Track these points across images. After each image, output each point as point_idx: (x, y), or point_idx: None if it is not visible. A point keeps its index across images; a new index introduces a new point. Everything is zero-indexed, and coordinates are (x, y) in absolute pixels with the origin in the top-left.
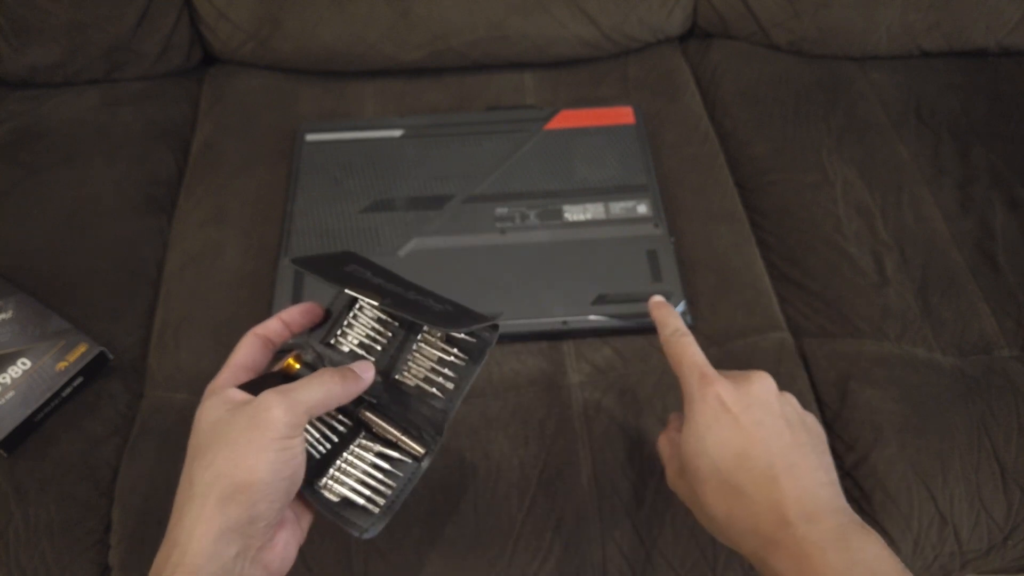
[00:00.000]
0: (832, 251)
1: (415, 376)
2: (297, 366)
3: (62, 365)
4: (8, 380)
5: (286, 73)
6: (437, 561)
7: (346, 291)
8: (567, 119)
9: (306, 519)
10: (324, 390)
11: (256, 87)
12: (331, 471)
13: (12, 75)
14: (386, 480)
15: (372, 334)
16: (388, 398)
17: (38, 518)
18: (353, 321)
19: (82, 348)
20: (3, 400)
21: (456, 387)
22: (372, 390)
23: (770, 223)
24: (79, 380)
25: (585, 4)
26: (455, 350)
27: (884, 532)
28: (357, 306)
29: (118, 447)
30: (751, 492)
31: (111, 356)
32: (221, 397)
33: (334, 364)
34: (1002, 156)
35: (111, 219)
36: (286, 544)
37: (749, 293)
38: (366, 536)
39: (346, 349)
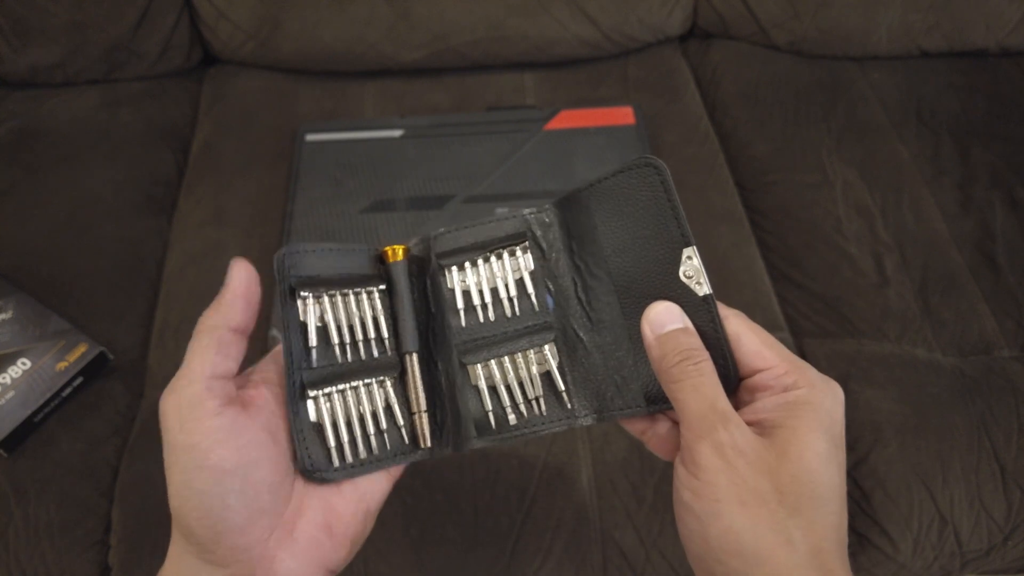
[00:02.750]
0: (832, 251)
1: (496, 373)
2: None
3: (62, 365)
4: (8, 380)
5: (286, 73)
6: (437, 561)
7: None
8: (567, 119)
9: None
10: (204, 343)
11: (256, 87)
12: (329, 388)
13: (12, 75)
14: (371, 439)
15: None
16: (441, 359)
17: (38, 518)
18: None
19: (82, 348)
20: (3, 400)
21: (518, 425)
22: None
23: (770, 223)
24: (79, 380)
25: (585, 4)
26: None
27: (884, 532)
28: None
29: (118, 447)
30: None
31: (111, 356)
32: (200, 406)
33: None
34: (1002, 156)
35: (111, 219)
36: (298, 558)
37: (749, 293)
38: (299, 469)
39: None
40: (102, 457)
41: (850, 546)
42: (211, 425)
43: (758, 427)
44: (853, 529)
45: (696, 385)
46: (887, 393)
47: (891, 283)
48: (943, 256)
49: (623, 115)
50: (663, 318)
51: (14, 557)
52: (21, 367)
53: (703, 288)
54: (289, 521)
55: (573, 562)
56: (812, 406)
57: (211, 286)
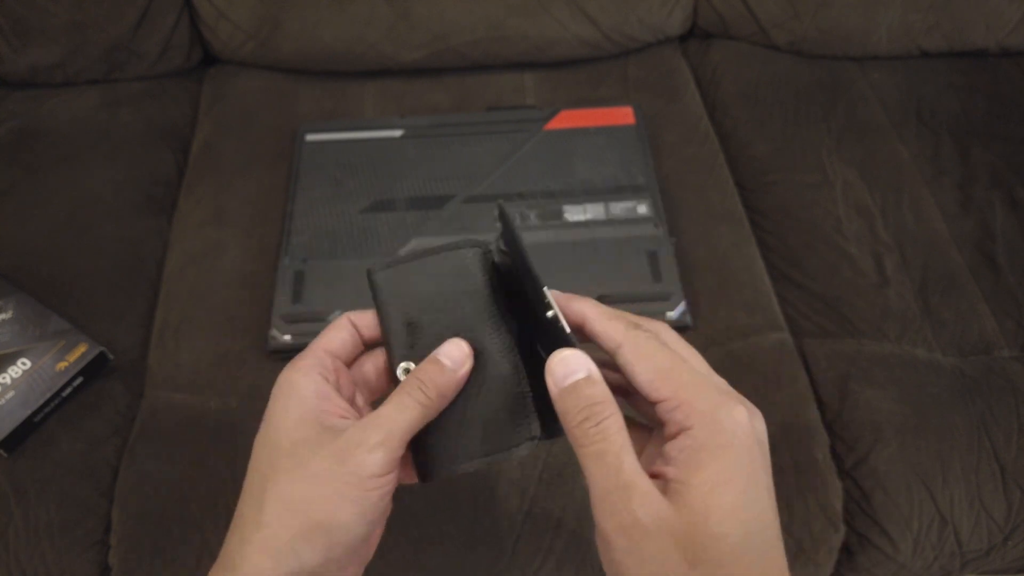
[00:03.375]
0: (832, 251)
1: None
2: None
3: (62, 365)
4: (8, 380)
5: (286, 73)
6: (437, 560)
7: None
8: (567, 119)
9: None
10: (420, 410)
11: (256, 87)
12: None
13: (12, 75)
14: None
15: None
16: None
17: (38, 518)
18: None
19: (82, 348)
20: (3, 400)
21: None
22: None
23: (770, 223)
24: (79, 380)
25: (585, 4)
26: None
27: (884, 532)
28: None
29: (118, 447)
30: None
31: (111, 356)
32: (311, 406)
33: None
34: (1002, 156)
35: (111, 219)
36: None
37: (749, 293)
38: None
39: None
40: (102, 457)
41: (850, 546)
42: (395, 472)
43: (664, 483)
44: (853, 529)
45: (599, 452)
46: (887, 393)
47: (891, 283)
48: (943, 256)
49: (623, 115)
50: (564, 368)
51: (14, 557)
52: (21, 367)
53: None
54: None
55: (573, 562)
56: (709, 451)
57: (211, 286)
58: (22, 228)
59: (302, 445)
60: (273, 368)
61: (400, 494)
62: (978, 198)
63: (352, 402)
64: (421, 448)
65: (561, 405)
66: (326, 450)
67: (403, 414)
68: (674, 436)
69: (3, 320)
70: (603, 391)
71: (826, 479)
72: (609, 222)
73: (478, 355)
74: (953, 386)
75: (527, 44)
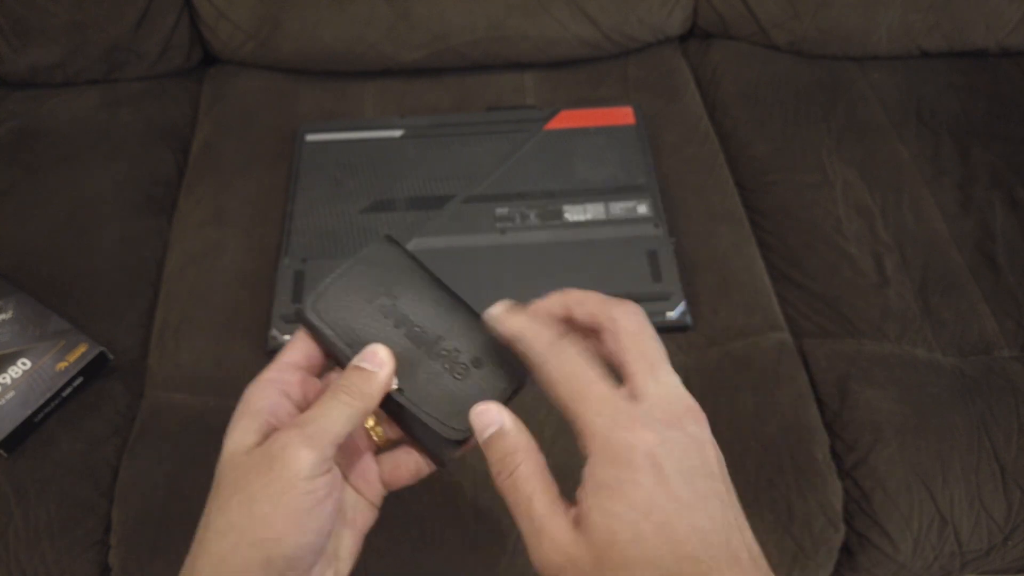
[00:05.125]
0: (832, 251)
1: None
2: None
3: (62, 365)
4: (8, 380)
5: (286, 73)
6: (436, 561)
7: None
8: (567, 119)
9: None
10: (345, 410)
11: (256, 87)
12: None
13: (12, 75)
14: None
15: None
16: None
17: (38, 518)
18: None
19: (82, 348)
20: (3, 400)
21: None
22: None
23: (770, 223)
24: (79, 380)
25: (585, 4)
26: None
27: (884, 532)
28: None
29: (118, 447)
30: None
31: (111, 356)
32: (260, 423)
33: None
34: (1002, 156)
35: (111, 219)
36: None
37: (749, 293)
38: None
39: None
40: (102, 457)
41: (850, 546)
42: (322, 482)
43: (578, 512)
44: (853, 529)
45: (513, 502)
46: (887, 393)
47: (891, 283)
48: (943, 256)
49: (623, 115)
50: (479, 422)
51: (14, 557)
52: (21, 367)
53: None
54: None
55: None
56: (605, 476)
57: (211, 286)
58: (22, 228)
59: (239, 459)
60: None
61: (400, 495)
62: (978, 198)
63: None
64: (417, 438)
65: (486, 456)
66: (257, 460)
67: (330, 415)
68: (585, 460)
69: (3, 320)
70: (513, 442)
71: (826, 479)
72: (609, 222)
73: (438, 335)
74: (953, 386)
75: (527, 44)
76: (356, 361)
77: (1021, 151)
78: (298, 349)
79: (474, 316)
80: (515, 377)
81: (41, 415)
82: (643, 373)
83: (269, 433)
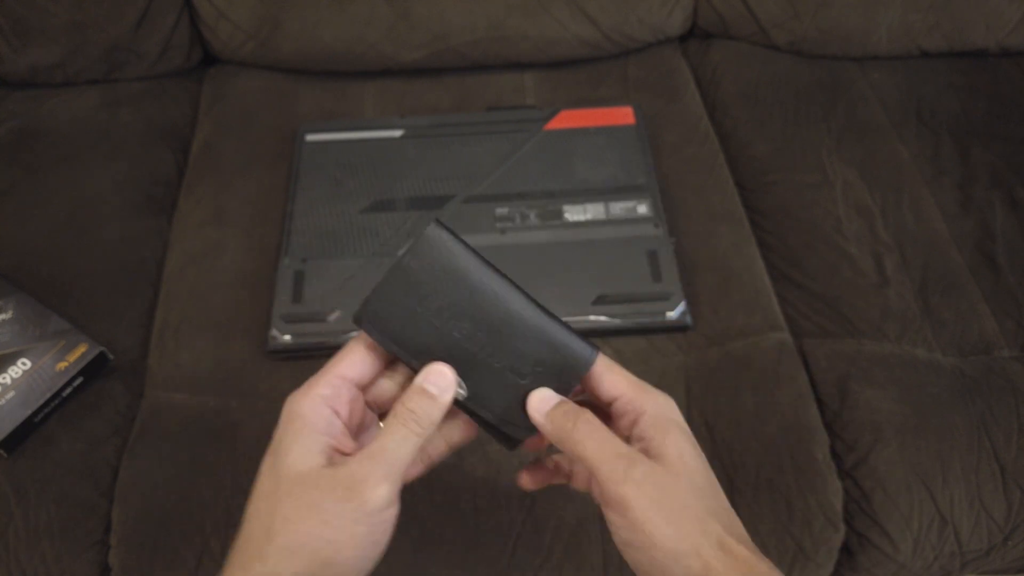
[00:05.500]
0: (832, 251)
1: None
2: None
3: (62, 365)
4: (8, 380)
5: (286, 73)
6: (437, 561)
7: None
8: (567, 119)
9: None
10: (416, 440)
11: (256, 87)
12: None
13: (12, 75)
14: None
15: None
16: None
17: (38, 518)
18: None
19: (82, 348)
20: (3, 400)
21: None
22: None
23: (770, 223)
24: (79, 380)
25: (585, 4)
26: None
27: (884, 532)
28: None
29: (118, 447)
30: None
31: (111, 356)
32: (320, 442)
33: None
34: (1002, 156)
35: (111, 219)
36: None
37: (749, 293)
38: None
39: None
40: (102, 457)
41: (850, 546)
42: (397, 504)
43: (645, 453)
44: (853, 529)
45: (597, 440)
46: (887, 393)
47: (891, 283)
48: (943, 256)
49: (623, 115)
50: (544, 403)
51: (14, 557)
52: (21, 367)
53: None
54: None
55: (573, 562)
56: (669, 420)
57: (211, 286)
58: (22, 228)
59: (310, 481)
60: (273, 368)
61: (401, 495)
62: (978, 198)
63: (362, 428)
64: (488, 425)
65: (551, 425)
66: (333, 487)
67: (402, 447)
68: (635, 422)
69: (3, 320)
70: (569, 406)
71: (826, 479)
72: (609, 222)
73: (503, 319)
74: (953, 386)
75: (527, 44)
76: (421, 382)
77: (1021, 151)
78: (354, 364)
79: (532, 305)
80: (577, 368)
81: (41, 415)
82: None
83: (331, 454)
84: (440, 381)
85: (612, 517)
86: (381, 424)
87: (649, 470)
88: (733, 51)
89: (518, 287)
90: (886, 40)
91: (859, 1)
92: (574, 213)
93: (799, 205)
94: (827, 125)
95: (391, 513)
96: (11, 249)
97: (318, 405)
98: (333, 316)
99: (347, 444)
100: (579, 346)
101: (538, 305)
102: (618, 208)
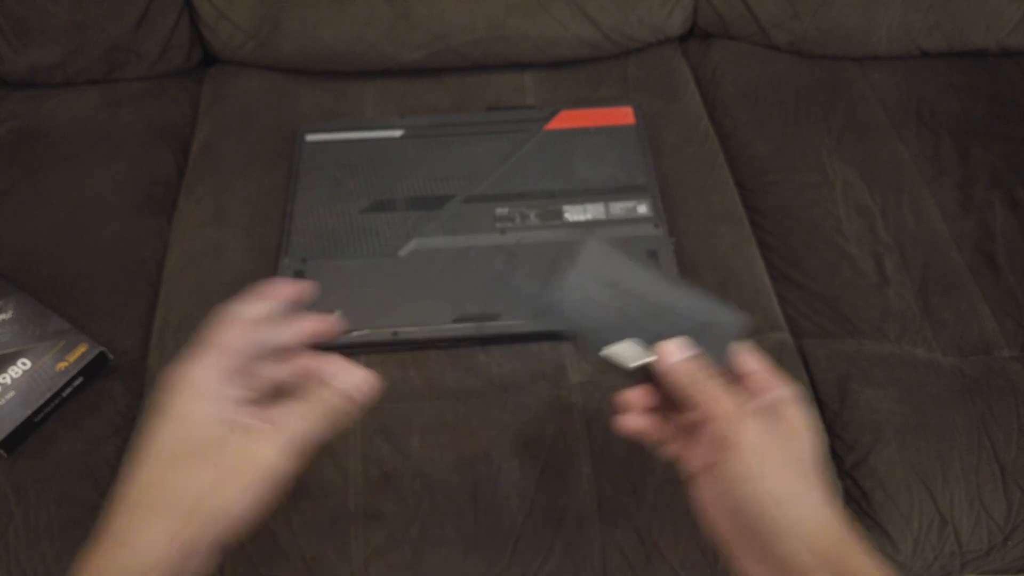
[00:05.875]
0: (832, 251)
1: None
2: None
3: (62, 365)
4: (8, 380)
5: (286, 73)
6: (437, 561)
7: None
8: (567, 119)
9: None
10: (323, 426)
11: (256, 87)
12: None
13: (12, 75)
14: None
15: None
16: None
17: (38, 518)
18: None
19: (82, 348)
20: (3, 400)
21: None
22: None
23: (770, 223)
24: (79, 380)
25: (585, 4)
26: None
27: (884, 532)
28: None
29: (118, 447)
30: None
31: (111, 356)
32: (222, 400)
33: None
34: (1002, 156)
35: (111, 219)
36: None
37: (749, 293)
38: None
39: None
40: (102, 457)
41: None
42: (292, 467)
43: (767, 415)
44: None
45: (722, 390)
46: (887, 393)
47: (891, 283)
48: (943, 256)
49: (623, 115)
50: (680, 350)
51: (14, 557)
52: (21, 367)
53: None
54: None
55: (573, 562)
56: (794, 399)
57: (211, 286)
58: (22, 228)
59: (215, 440)
60: None
61: (401, 495)
62: (978, 198)
63: (258, 396)
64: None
65: (682, 370)
66: (235, 444)
67: (304, 422)
68: (761, 394)
69: (3, 320)
70: (706, 362)
71: (826, 479)
72: (609, 222)
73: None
74: (953, 386)
75: (527, 44)
76: (338, 382)
77: (1021, 151)
78: (238, 336)
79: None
80: (726, 334)
81: (41, 415)
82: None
83: (227, 414)
84: (354, 381)
85: (726, 456)
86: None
87: (769, 424)
88: (733, 51)
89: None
90: (886, 40)
91: (859, 1)
92: (574, 213)
93: (799, 205)
94: (827, 125)
95: (284, 476)
96: (11, 249)
97: (209, 371)
98: (333, 316)
99: (244, 408)
100: (725, 313)
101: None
102: (618, 208)
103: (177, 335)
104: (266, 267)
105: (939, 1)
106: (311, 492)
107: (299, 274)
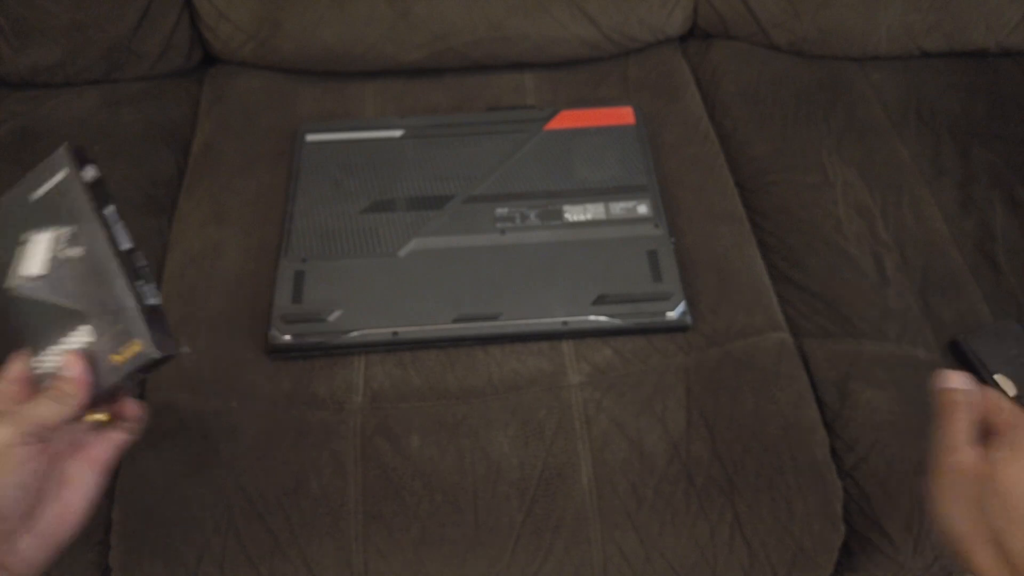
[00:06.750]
0: (832, 251)
1: None
2: None
3: (117, 359)
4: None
5: (286, 73)
6: (437, 561)
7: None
8: (567, 119)
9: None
10: (47, 405)
11: (256, 87)
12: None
13: (12, 75)
14: None
15: None
16: None
17: None
18: None
19: (136, 346)
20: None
21: None
22: None
23: (770, 223)
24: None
25: (585, 4)
26: None
27: (884, 533)
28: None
29: None
30: None
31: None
32: None
33: None
34: (1002, 156)
35: None
36: (34, 547)
37: (749, 293)
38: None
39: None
40: None
41: (850, 546)
42: (25, 448)
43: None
44: (853, 529)
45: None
46: (887, 393)
47: (891, 283)
48: (943, 256)
49: (623, 115)
50: (947, 383)
51: None
52: (82, 339)
53: None
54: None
55: (573, 562)
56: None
57: (211, 286)
58: None
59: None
60: (273, 368)
61: (401, 495)
62: (978, 198)
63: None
64: None
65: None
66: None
67: (37, 408)
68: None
69: (73, 258)
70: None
71: (826, 479)
72: (609, 222)
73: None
74: None
75: (527, 44)
76: (66, 373)
77: (1021, 151)
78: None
79: None
80: None
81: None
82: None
83: None
84: (73, 369)
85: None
86: None
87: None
88: (733, 51)
89: None
90: (886, 40)
91: (859, 1)
92: (574, 213)
93: (799, 205)
94: (827, 125)
95: (24, 452)
96: None
97: None
98: (333, 316)
99: None
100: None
101: None
102: (618, 208)
103: (177, 335)
104: (266, 267)
105: (939, 1)
106: (311, 492)
107: (299, 274)
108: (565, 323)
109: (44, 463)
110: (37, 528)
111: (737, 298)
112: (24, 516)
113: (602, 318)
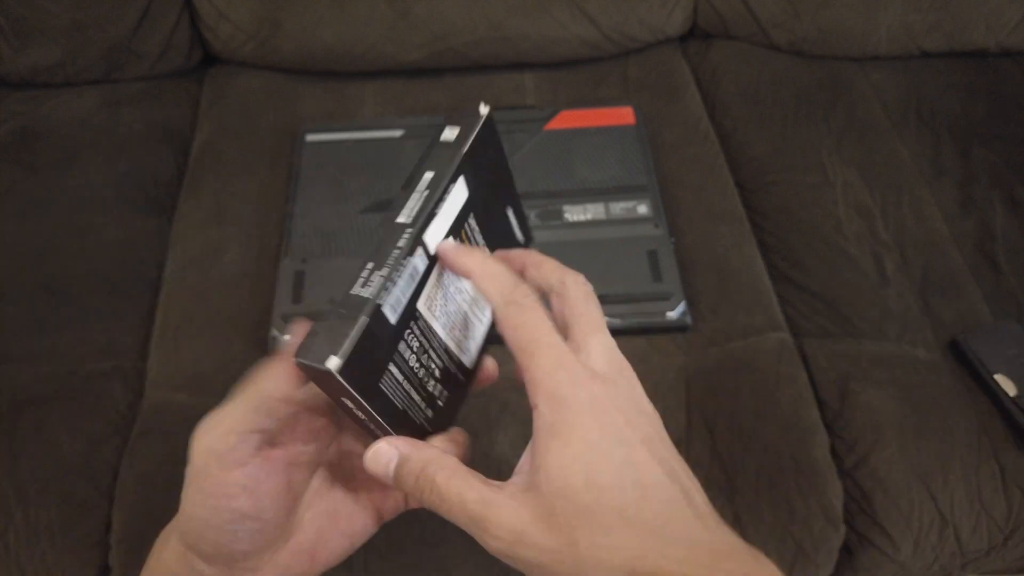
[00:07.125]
0: (832, 251)
1: None
2: None
3: None
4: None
5: (286, 73)
6: (437, 561)
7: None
8: (567, 119)
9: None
10: (250, 401)
11: (256, 87)
12: None
13: (12, 75)
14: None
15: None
16: None
17: (38, 518)
18: None
19: None
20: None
21: None
22: None
23: (770, 223)
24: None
25: (585, 4)
26: None
27: (884, 533)
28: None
29: (118, 447)
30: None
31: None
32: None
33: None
34: (1002, 156)
35: (111, 219)
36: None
37: (749, 293)
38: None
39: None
40: (102, 457)
41: (850, 546)
42: (238, 475)
43: (527, 477)
44: (853, 529)
45: (448, 509)
46: (887, 393)
47: (891, 283)
48: (943, 256)
49: (623, 115)
50: (378, 462)
51: (14, 557)
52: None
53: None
54: (283, 545)
55: None
56: (550, 428)
57: (211, 286)
58: (22, 228)
59: (216, 467)
60: None
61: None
62: (978, 198)
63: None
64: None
65: (399, 487)
66: (216, 457)
67: (238, 405)
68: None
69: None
70: (418, 461)
71: (826, 479)
72: (609, 222)
73: None
74: (953, 386)
75: (527, 44)
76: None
77: (1021, 151)
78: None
79: None
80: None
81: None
82: (586, 333)
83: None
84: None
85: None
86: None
87: (505, 527)
88: (733, 51)
89: None
90: (886, 40)
91: (859, 1)
92: (574, 213)
93: (799, 205)
94: (827, 125)
95: (229, 478)
96: (11, 249)
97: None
98: None
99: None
100: None
101: None
102: (618, 208)
103: (177, 335)
104: (266, 267)
105: (939, 1)
106: None
107: (299, 274)
108: None
109: (269, 481)
110: (279, 564)
111: (737, 298)
112: (266, 549)
113: None
